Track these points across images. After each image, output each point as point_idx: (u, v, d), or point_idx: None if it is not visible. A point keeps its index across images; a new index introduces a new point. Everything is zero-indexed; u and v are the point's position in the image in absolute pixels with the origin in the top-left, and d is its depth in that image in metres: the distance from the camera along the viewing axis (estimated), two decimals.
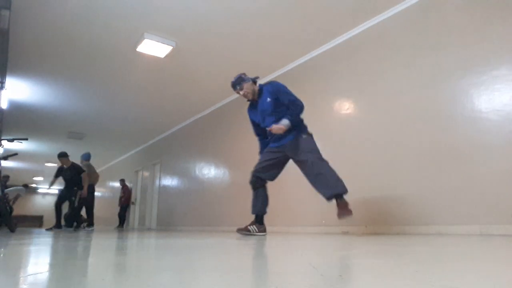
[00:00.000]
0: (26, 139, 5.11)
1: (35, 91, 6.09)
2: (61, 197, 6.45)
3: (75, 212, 6.56)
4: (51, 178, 9.06)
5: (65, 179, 6.45)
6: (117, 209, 10.11)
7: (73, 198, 6.52)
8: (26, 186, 7.98)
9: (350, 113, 4.03)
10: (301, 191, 4.30)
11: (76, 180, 6.45)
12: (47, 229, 6.68)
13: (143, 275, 0.80)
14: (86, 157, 7.08)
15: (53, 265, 1.04)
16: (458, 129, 3.01)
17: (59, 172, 6.45)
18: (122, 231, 5.68)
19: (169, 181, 8.52)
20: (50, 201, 19.65)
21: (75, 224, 6.59)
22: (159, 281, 0.70)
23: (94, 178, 6.95)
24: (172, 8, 3.80)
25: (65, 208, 6.61)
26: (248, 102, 3.31)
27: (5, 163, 6.81)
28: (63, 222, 6.64)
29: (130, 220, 10.60)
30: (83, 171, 6.52)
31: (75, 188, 6.50)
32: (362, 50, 4.05)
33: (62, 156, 6.42)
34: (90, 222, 6.76)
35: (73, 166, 6.49)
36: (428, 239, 2.17)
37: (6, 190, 6.29)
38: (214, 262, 1.08)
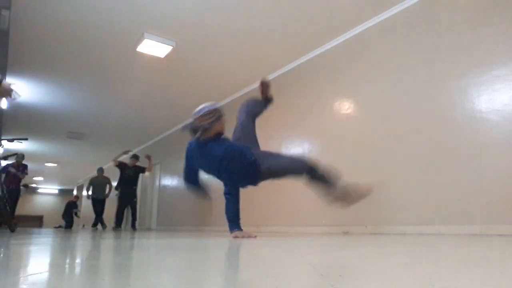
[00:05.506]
0: (26, 139, 5.11)
1: (35, 91, 6.10)
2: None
3: None
4: (52, 178, 9.08)
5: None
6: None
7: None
8: (26, 186, 7.98)
9: (350, 113, 4.03)
10: (301, 191, 4.30)
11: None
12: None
13: (144, 275, 0.80)
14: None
15: (53, 265, 1.04)
16: (458, 129, 3.01)
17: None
18: (121, 231, 5.67)
19: (169, 181, 8.52)
20: (50, 201, 19.62)
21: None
22: (159, 281, 0.70)
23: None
24: (172, 8, 3.80)
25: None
26: None
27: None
28: None
29: (130, 220, 10.58)
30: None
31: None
32: (362, 50, 4.05)
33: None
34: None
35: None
36: (428, 239, 2.17)
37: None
38: (214, 262, 1.08)
